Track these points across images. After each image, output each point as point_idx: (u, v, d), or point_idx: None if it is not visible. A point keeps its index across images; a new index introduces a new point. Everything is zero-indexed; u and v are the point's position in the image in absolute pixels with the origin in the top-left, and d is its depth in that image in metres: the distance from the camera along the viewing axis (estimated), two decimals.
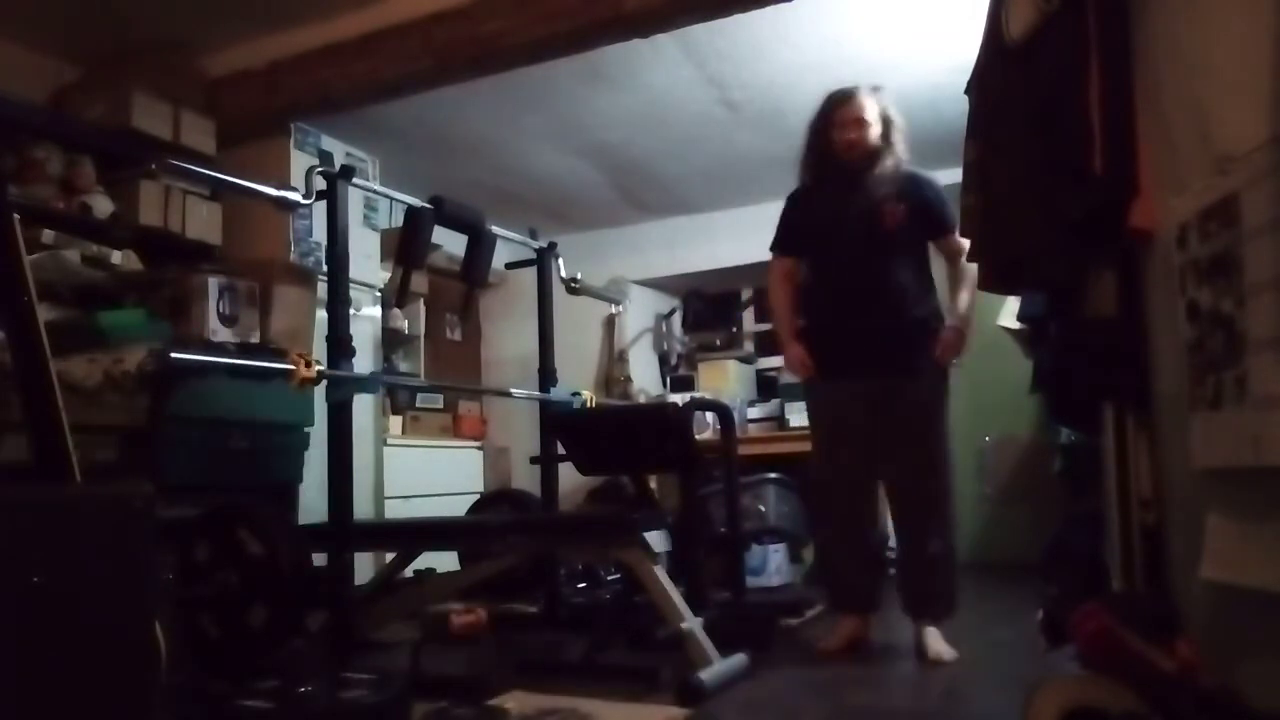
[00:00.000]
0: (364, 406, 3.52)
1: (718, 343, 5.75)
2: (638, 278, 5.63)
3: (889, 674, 2.49)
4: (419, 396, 4.85)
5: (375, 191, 3.60)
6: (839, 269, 2.74)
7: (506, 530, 2.89)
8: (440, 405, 5.03)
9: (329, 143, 3.86)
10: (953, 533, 2.69)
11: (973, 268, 2.62)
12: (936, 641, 2.57)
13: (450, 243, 3.93)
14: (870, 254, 2.68)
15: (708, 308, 5.93)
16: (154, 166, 3.18)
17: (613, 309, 5.50)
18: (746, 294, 5.92)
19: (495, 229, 3.25)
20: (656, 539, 2.53)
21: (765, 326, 5.85)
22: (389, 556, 3.31)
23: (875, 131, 2.69)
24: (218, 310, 3.20)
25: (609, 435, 3.00)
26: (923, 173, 2.77)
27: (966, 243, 2.61)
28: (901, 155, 2.72)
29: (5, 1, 3.24)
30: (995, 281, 2.16)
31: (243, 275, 3.33)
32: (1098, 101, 1.64)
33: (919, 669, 2.51)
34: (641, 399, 5.39)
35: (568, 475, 3.47)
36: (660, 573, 2.48)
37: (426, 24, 3.30)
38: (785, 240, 2.86)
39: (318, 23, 3.49)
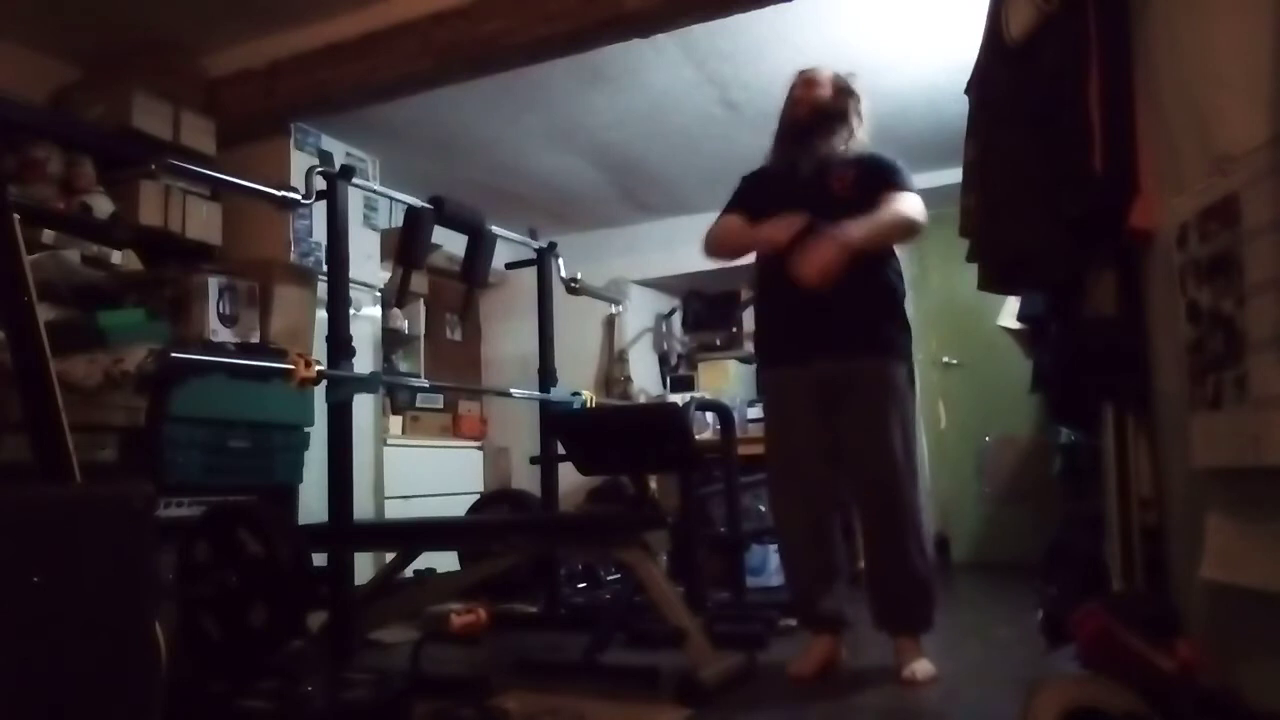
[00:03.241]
0: (364, 406, 3.52)
1: (718, 343, 5.74)
2: (638, 278, 5.63)
3: (889, 673, 2.49)
4: (419, 396, 4.85)
5: (375, 191, 3.60)
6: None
7: (506, 530, 2.89)
8: (440, 405, 5.03)
9: (329, 143, 3.86)
10: (922, 537, 2.46)
11: (895, 207, 2.43)
12: (914, 660, 2.36)
13: (450, 243, 3.93)
14: (818, 221, 2.44)
15: (708, 308, 5.92)
16: (154, 166, 3.18)
17: (613, 309, 5.50)
18: (746, 294, 5.91)
19: (495, 229, 3.25)
20: (656, 539, 2.52)
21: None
22: (389, 556, 3.31)
23: (825, 92, 2.61)
24: (218, 310, 3.20)
25: (609, 435, 3.00)
26: (884, 155, 2.58)
27: (908, 200, 2.45)
28: (858, 132, 2.57)
29: (5, 1, 3.24)
30: (995, 281, 2.16)
31: (243, 275, 3.33)
32: (1098, 101, 1.64)
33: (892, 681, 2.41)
34: (641, 399, 5.39)
35: (568, 475, 3.47)
36: (660, 573, 2.48)
37: (426, 24, 3.30)
38: (734, 203, 2.73)
39: (318, 23, 3.49)
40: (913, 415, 2.51)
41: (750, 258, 2.75)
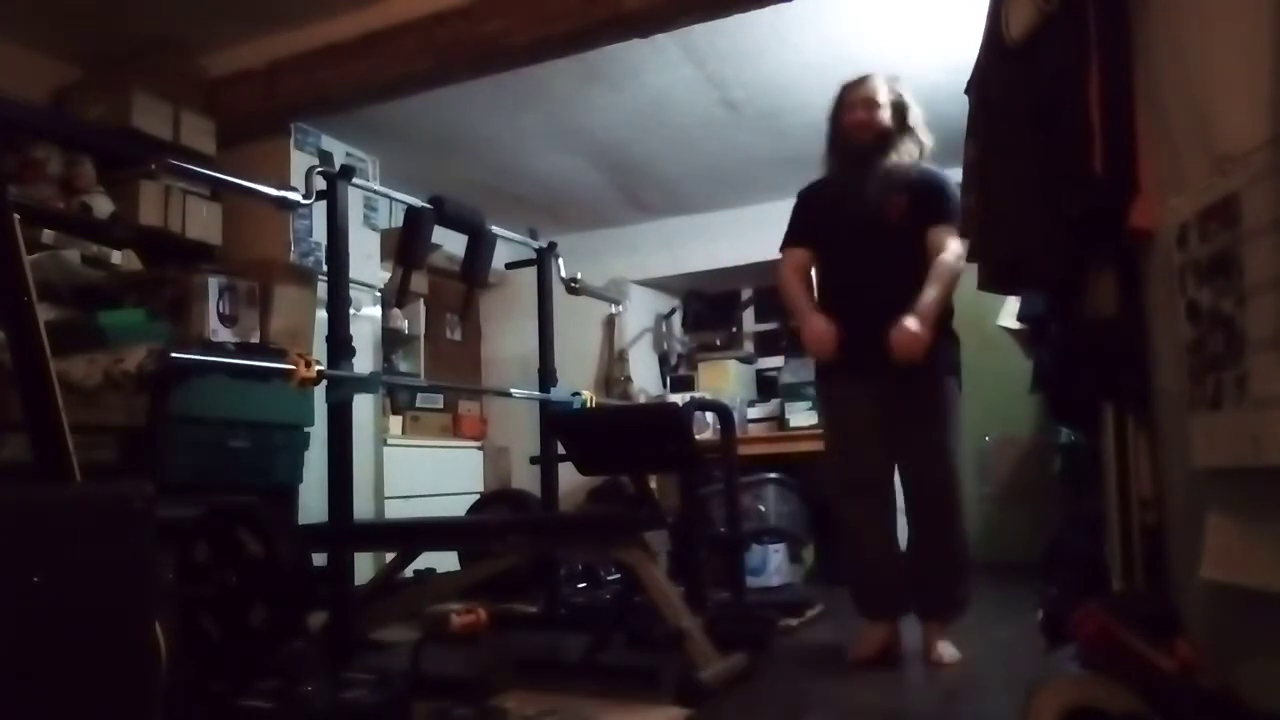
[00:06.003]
0: (364, 406, 3.52)
1: (718, 343, 5.74)
2: (638, 278, 5.63)
3: (889, 674, 2.49)
4: (419, 396, 4.85)
5: (375, 191, 3.60)
6: (843, 262, 2.70)
7: (506, 530, 2.89)
8: (440, 405, 5.03)
9: (329, 143, 3.86)
10: (966, 533, 2.63)
11: (949, 264, 2.55)
12: (942, 644, 2.53)
13: (450, 243, 3.93)
14: (873, 246, 2.62)
15: (708, 308, 5.92)
16: (154, 166, 3.18)
17: (613, 309, 5.50)
18: (746, 294, 5.92)
19: (495, 229, 3.25)
20: (656, 539, 2.52)
21: (765, 326, 5.85)
22: (389, 556, 3.31)
23: (885, 114, 2.65)
24: (218, 310, 3.20)
25: (609, 435, 3.00)
26: (937, 169, 2.69)
27: (953, 242, 2.56)
28: (924, 141, 2.67)
29: (5, 1, 3.24)
30: (994, 282, 2.16)
31: (243, 275, 3.33)
32: (1098, 101, 1.64)
33: (921, 670, 2.51)
34: (641, 399, 5.39)
35: (568, 475, 3.47)
36: (660, 573, 2.48)
37: (426, 24, 3.30)
38: (794, 232, 2.81)
39: (318, 23, 3.49)
40: (960, 421, 2.65)
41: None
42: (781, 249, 2.83)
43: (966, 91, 2.24)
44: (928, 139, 2.69)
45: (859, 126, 2.66)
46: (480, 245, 3.20)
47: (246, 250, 3.62)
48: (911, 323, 2.46)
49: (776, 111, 4.09)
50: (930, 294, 2.51)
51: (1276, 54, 1.20)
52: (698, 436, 3.71)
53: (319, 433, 2.92)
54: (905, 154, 2.65)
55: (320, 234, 3.41)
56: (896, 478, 2.69)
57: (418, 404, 4.85)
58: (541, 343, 3.56)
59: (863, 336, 2.60)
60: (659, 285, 5.85)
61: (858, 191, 2.64)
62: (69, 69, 3.64)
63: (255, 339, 3.28)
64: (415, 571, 3.26)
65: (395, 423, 4.61)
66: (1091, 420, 2.00)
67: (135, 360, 2.67)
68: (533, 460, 3.56)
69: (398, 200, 3.08)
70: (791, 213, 2.84)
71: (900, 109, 2.68)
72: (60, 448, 1.33)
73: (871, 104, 2.66)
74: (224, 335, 3.18)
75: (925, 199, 2.62)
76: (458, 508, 4.17)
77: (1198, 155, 1.44)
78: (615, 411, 4.17)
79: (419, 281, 4.70)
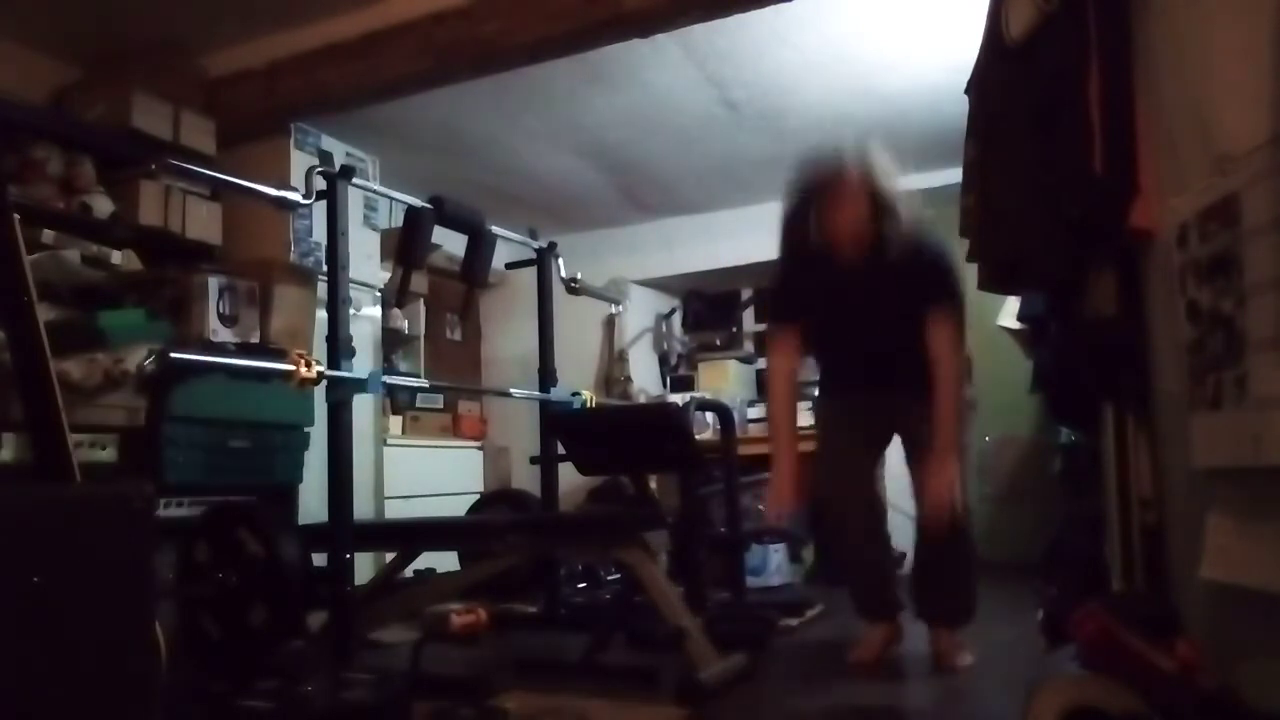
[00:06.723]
0: (364, 406, 3.51)
1: (718, 343, 5.74)
2: (638, 278, 5.63)
3: (890, 674, 2.49)
4: (419, 396, 4.84)
5: (375, 191, 3.60)
6: (838, 345, 2.68)
7: (506, 530, 2.89)
8: (440, 405, 5.02)
9: (329, 143, 3.86)
10: (971, 541, 2.57)
11: (951, 382, 2.39)
12: (953, 647, 2.49)
13: (450, 243, 3.92)
14: (872, 336, 2.55)
15: (708, 308, 5.92)
16: (154, 166, 3.18)
17: (613, 309, 5.50)
18: (746, 294, 5.92)
19: (495, 229, 3.24)
20: (656, 539, 2.52)
21: (765, 326, 5.85)
22: (389, 556, 3.31)
23: (863, 224, 2.40)
24: (218, 310, 3.20)
25: (609, 435, 3.00)
26: (929, 241, 2.45)
27: (948, 335, 2.40)
28: (906, 212, 2.42)
29: (5, 1, 3.24)
30: (994, 282, 2.16)
31: (243, 275, 3.33)
32: (1098, 101, 1.64)
33: (921, 670, 2.51)
34: (641, 399, 5.39)
35: (568, 475, 3.47)
36: (660, 573, 2.48)
37: (426, 24, 3.30)
38: (784, 307, 2.68)
39: (318, 23, 3.48)
40: (969, 451, 2.64)
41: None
42: (770, 322, 2.70)
43: (966, 91, 2.25)
44: (910, 205, 2.44)
45: (843, 247, 2.44)
46: (480, 245, 3.19)
47: (246, 250, 3.61)
48: (939, 473, 2.36)
49: (776, 112, 4.09)
50: (944, 426, 2.37)
51: (1276, 54, 1.20)
52: (698, 436, 3.70)
53: (319, 433, 2.92)
54: (892, 239, 2.41)
55: (320, 234, 3.40)
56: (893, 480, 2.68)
57: (418, 404, 4.85)
58: (541, 343, 3.55)
59: (871, 370, 2.60)
60: (659, 285, 5.85)
61: (850, 286, 2.49)
62: (69, 69, 3.63)
63: (255, 339, 3.28)
64: (415, 571, 3.26)
65: (395, 423, 4.60)
66: (1091, 420, 2.00)
67: (135, 360, 2.67)
68: (533, 460, 3.56)
69: (398, 200, 3.08)
70: (776, 277, 2.70)
71: (877, 200, 2.39)
72: (60, 448, 1.33)
73: (853, 220, 2.40)
74: (224, 335, 3.18)
75: (921, 284, 2.44)
76: (458, 508, 4.17)
77: (1198, 155, 1.44)
78: (615, 411, 4.17)
79: (419, 281, 4.70)
